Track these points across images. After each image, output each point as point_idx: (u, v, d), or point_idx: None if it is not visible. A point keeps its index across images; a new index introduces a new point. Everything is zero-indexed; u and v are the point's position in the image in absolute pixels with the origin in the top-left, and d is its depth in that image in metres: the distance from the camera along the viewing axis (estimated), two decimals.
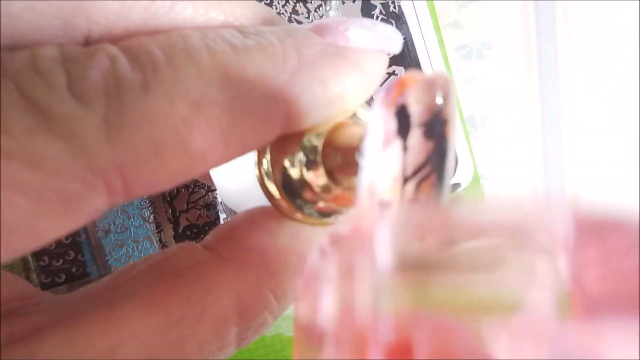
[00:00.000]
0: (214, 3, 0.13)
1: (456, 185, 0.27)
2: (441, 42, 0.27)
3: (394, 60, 0.26)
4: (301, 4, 0.26)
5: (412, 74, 0.12)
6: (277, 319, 0.15)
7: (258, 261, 0.14)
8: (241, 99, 0.12)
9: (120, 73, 0.11)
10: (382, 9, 0.26)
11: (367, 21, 0.14)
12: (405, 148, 0.12)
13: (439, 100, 0.12)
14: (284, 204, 0.15)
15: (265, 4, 0.25)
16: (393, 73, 0.27)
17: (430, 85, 0.12)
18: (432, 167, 0.12)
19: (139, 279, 0.14)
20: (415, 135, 0.12)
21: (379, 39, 0.14)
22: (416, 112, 0.12)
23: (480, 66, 0.29)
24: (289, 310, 0.31)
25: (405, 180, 0.12)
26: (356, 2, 0.26)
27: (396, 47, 0.15)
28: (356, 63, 0.14)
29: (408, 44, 0.26)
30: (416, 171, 0.12)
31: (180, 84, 0.12)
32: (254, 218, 0.15)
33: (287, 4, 0.25)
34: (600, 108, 0.29)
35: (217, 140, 0.12)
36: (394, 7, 0.26)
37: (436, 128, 0.12)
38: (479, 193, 0.28)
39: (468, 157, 0.27)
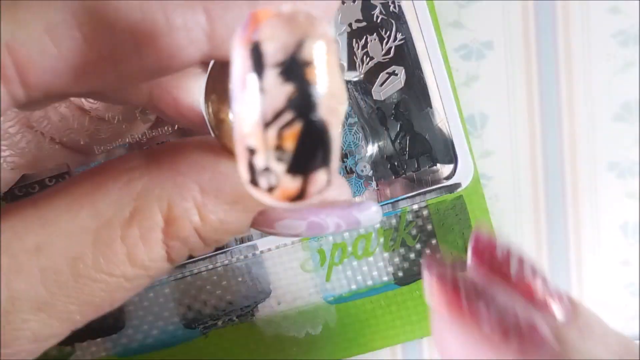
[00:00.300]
0: None
1: (456, 185, 0.27)
2: (441, 42, 0.27)
3: (394, 61, 0.26)
4: None
5: (268, 8, 0.11)
6: (209, 245, 0.15)
7: (194, 177, 0.14)
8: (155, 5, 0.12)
9: None
10: (382, 8, 0.26)
11: None
12: (262, 90, 0.11)
13: (297, 38, 0.11)
14: (219, 141, 0.14)
15: None
16: (393, 73, 0.27)
17: (287, 21, 0.11)
18: (295, 114, 0.11)
19: (71, 181, 0.14)
20: (270, 76, 0.11)
21: None
22: (269, 51, 0.11)
23: (480, 66, 0.29)
24: (289, 310, 0.31)
25: (266, 125, 0.11)
26: (356, 2, 0.26)
27: None
28: None
29: (408, 44, 0.26)
30: (275, 117, 0.11)
31: None
32: (206, 141, 0.15)
33: None
34: (601, 108, 0.29)
35: (123, 31, 0.12)
36: (394, 7, 0.26)
37: (294, 69, 0.11)
38: (479, 193, 0.28)
39: (468, 157, 0.27)
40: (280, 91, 0.11)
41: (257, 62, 0.11)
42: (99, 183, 0.14)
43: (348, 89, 0.27)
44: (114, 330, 0.27)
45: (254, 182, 0.12)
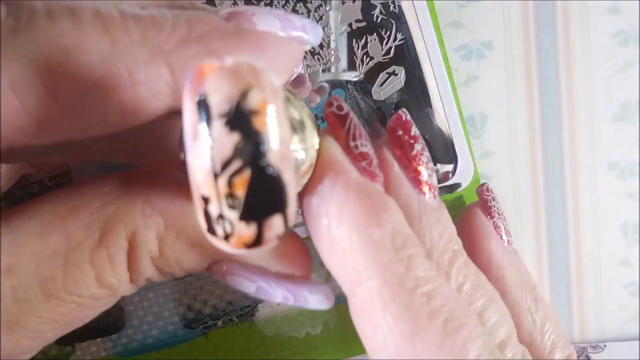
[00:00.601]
0: None
1: (456, 185, 0.27)
2: (441, 42, 0.27)
3: (394, 61, 0.26)
4: (301, 4, 0.26)
5: (212, 62, 0.11)
6: (164, 275, 0.16)
7: (161, 210, 0.15)
8: (121, 56, 0.12)
9: None
10: (382, 9, 0.26)
11: (280, 11, 0.14)
12: (210, 141, 0.11)
13: (241, 89, 0.11)
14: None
15: (265, 4, 0.25)
16: (393, 73, 0.27)
17: (230, 73, 0.11)
18: (244, 162, 0.11)
19: (44, 200, 0.14)
20: (217, 127, 0.11)
21: (290, 28, 0.14)
22: (214, 103, 0.11)
23: (480, 66, 0.29)
24: (289, 310, 0.31)
25: (216, 175, 0.11)
26: (356, 2, 0.26)
27: (313, 38, 0.14)
28: (256, 43, 0.13)
29: (408, 44, 0.26)
30: (224, 165, 0.11)
31: (53, 31, 0.12)
32: (182, 180, 0.15)
33: (287, 4, 0.25)
34: (601, 108, 0.29)
35: (99, 72, 0.12)
36: (394, 7, 0.26)
37: (240, 119, 0.11)
38: None
39: (468, 157, 0.27)
40: (227, 140, 0.11)
41: (205, 114, 0.11)
42: (72, 206, 0.14)
43: (348, 89, 0.27)
44: (114, 330, 0.27)
45: (211, 230, 0.12)
